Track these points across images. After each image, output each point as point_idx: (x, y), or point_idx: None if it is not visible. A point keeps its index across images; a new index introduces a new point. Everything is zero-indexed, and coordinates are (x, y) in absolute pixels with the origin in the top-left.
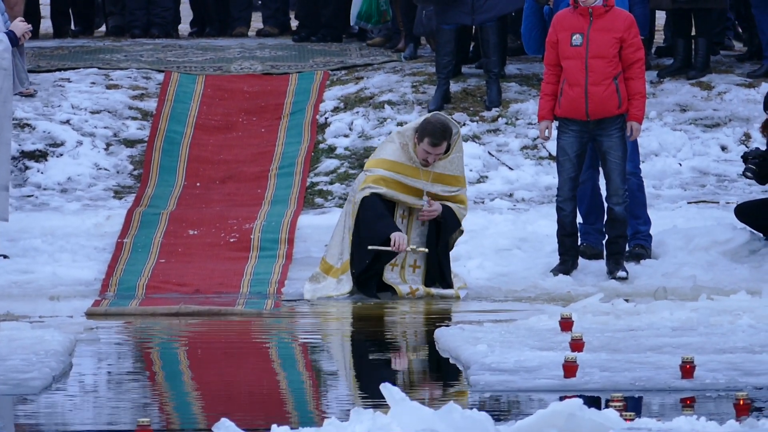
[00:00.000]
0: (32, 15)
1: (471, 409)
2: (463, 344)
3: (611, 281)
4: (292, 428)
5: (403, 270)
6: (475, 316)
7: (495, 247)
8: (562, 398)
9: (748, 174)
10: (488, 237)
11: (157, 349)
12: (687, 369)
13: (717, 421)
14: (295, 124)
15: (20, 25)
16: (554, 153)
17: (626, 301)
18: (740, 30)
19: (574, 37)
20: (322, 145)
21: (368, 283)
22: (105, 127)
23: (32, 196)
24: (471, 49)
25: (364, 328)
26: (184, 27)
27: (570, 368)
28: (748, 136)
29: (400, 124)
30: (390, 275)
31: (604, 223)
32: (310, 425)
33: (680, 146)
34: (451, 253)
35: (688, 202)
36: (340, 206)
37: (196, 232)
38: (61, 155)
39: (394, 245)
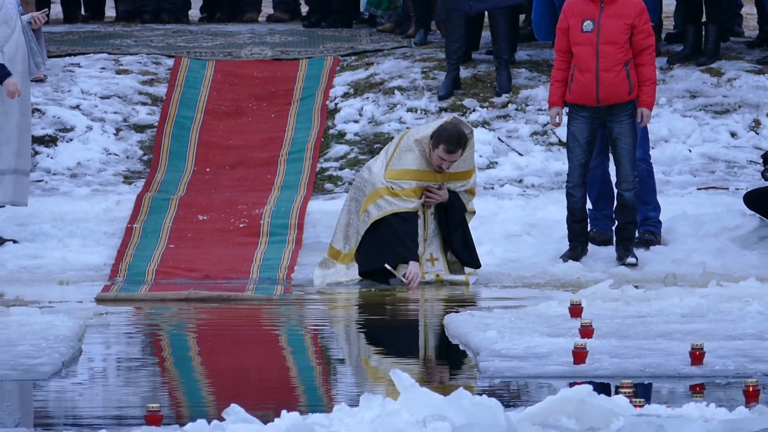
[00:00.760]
0: (43, 0)
1: (481, 395)
2: (472, 330)
3: (621, 267)
4: (301, 414)
5: (420, 265)
6: (484, 303)
7: (505, 233)
8: (571, 384)
9: None
10: (498, 223)
11: (166, 335)
12: (696, 355)
13: (726, 408)
14: (305, 109)
15: (35, 13)
16: (564, 139)
17: (636, 287)
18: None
19: (585, 24)
20: (332, 131)
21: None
22: (115, 113)
23: (42, 181)
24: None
25: (373, 314)
26: (194, 12)
27: (580, 354)
28: (757, 122)
29: (410, 110)
30: (404, 269)
31: (613, 209)
32: (320, 411)
33: (690, 132)
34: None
35: (698, 189)
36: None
37: (205, 218)
38: (71, 140)
39: (407, 278)
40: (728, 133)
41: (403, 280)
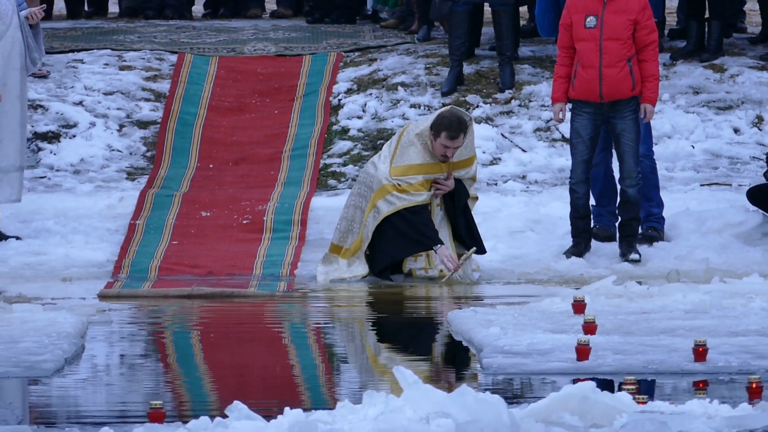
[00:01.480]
0: None
1: (484, 391)
2: (476, 327)
3: (624, 264)
4: (305, 411)
5: (429, 258)
6: (488, 299)
7: (508, 229)
8: (574, 381)
9: None
10: (501, 219)
11: (169, 332)
12: (700, 352)
13: (730, 404)
14: (308, 105)
15: (32, 9)
16: (567, 135)
17: (639, 283)
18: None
19: (588, 19)
20: (335, 127)
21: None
22: (118, 109)
23: (45, 177)
24: None
25: (376, 311)
26: (197, 8)
27: (583, 351)
28: (760, 118)
29: (413, 106)
30: (412, 264)
31: (617, 206)
32: (323, 408)
33: (693, 128)
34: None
35: (701, 185)
36: None
37: (208, 214)
38: (74, 136)
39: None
40: (731, 129)
41: (448, 272)
